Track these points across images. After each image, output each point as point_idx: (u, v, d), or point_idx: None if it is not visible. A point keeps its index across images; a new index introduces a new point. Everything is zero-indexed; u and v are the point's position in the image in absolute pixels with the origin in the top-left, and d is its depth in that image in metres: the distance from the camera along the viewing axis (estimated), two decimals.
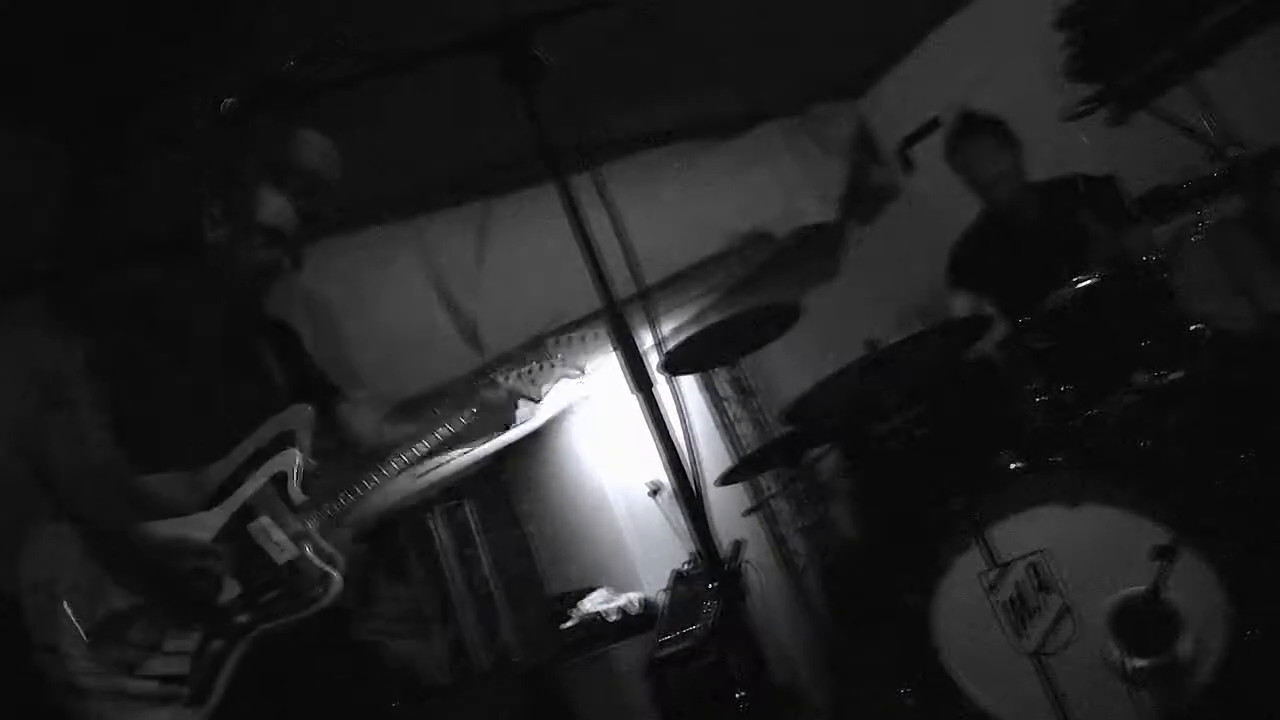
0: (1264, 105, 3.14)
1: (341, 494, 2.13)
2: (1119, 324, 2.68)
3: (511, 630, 6.88)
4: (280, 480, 2.12)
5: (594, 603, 5.70)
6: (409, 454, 2.17)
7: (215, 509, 2.08)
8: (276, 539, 2.07)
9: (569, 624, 5.67)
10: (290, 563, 2.06)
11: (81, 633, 1.92)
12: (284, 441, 2.15)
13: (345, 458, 2.22)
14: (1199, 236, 2.72)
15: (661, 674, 4.75)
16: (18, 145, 2.64)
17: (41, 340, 2.67)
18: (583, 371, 2.29)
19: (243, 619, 2.01)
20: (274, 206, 2.33)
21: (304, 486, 2.14)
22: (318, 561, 2.08)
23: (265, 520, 2.08)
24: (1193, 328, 2.63)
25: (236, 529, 2.07)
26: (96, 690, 1.89)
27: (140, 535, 1.98)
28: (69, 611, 1.93)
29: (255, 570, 2.05)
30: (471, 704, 5.61)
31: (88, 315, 2.25)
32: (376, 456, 2.18)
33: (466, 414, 2.22)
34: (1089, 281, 2.68)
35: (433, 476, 5.54)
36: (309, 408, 2.23)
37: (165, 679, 1.92)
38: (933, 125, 4.36)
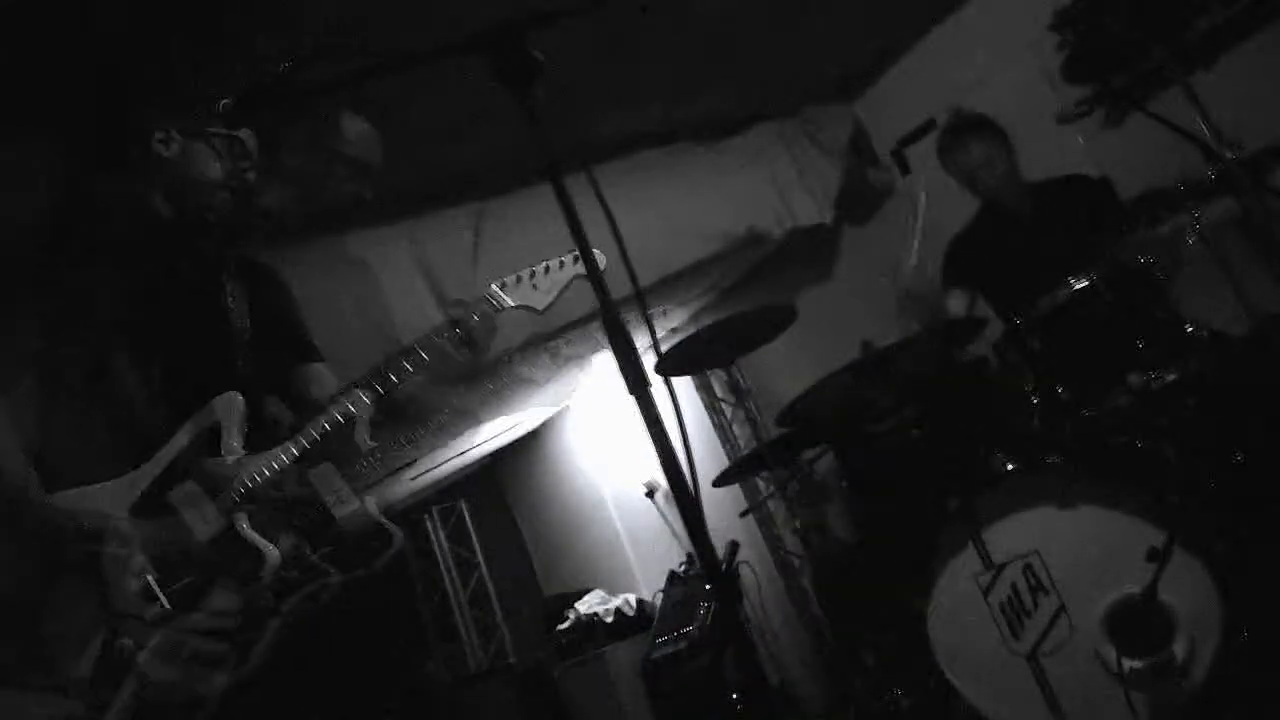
0: (1259, 107, 3.14)
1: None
2: (1114, 325, 2.68)
3: (507, 631, 6.88)
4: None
5: (590, 604, 5.70)
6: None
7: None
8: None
9: (565, 625, 5.67)
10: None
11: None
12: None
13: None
14: (1194, 238, 2.73)
15: (657, 675, 4.75)
16: (17, 145, 2.63)
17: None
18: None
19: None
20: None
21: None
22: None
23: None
24: (1188, 329, 2.64)
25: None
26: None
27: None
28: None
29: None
30: (468, 704, 5.61)
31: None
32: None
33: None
34: (1084, 283, 2.69)
35: (429, 478, 5.53)
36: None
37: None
38: (929, 126, 4.35)
